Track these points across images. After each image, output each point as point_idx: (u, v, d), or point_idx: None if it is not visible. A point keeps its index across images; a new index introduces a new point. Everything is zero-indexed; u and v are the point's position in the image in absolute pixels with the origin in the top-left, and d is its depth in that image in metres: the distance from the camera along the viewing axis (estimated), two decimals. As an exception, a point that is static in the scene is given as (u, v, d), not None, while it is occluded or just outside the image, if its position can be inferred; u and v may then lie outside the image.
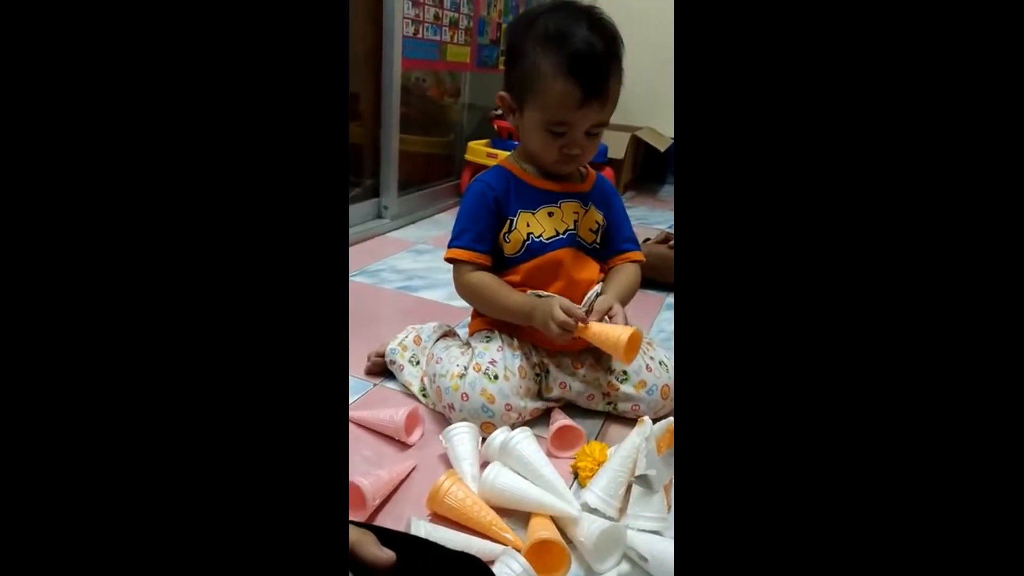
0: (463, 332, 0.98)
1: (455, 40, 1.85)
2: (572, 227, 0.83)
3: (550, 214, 0.82)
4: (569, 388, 0.83)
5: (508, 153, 0.90)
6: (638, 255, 0.89)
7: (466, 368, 0.78)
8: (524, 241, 0.81)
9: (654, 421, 0.66)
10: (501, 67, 2.15)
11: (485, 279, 0.81)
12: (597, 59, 0.72)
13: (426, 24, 1.70)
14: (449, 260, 0.82)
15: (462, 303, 1.18)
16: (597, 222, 0.85)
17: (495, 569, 0.53)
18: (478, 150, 1.89)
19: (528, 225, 0.81)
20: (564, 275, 0.82)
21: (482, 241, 0.81)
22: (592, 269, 0.85)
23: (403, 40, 1.59)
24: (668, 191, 2.58)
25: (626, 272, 0.86)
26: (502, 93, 0.81)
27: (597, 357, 0.85)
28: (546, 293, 0.79)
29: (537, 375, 0.82)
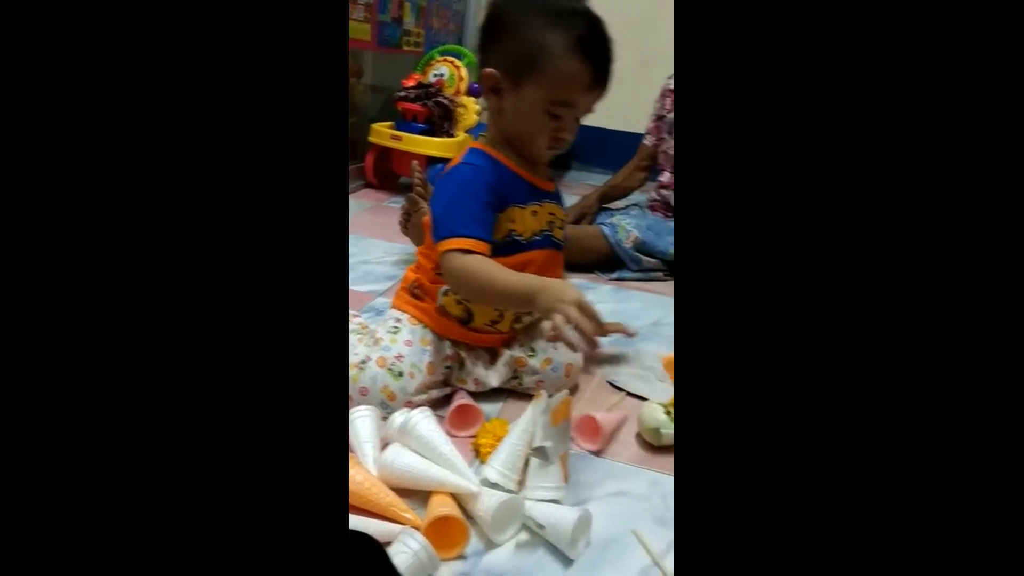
0: (366, 316, 0.96)
1: (354, 16, 1.78)
2: (547, 228, 0.80)
3: (534, 212, 0.78)
4: (483, 385, 0.82)
5: (466, 139, 0.88)
6: None
7: (366, 359, 0.75)
8: (504, 238, 0.76)
9: (550, 395, 0.68)
10: (404, 47, 2.10)
11: (479, 260, 0.69)
12: (606, 41, 0.71)
13: (322, -2, 1.62)
14: (459, 251, 0.69)
15: (364, 287, 1.16)
16: (563, 220, 0.85)
17: (393, 548, 0.53)
18: (382, 132, 1.85)
19: (512, 221, 0.76)
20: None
21: (489, 231, 0.72)
22: (560, 271, 0.85)
23: (297, 14, 1.52)
24: (573, 176, 2.65)
25: None
26: (488, 70, 0.73)
27: (509, 344, 0.85)
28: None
29: (448, 368, 0.80)
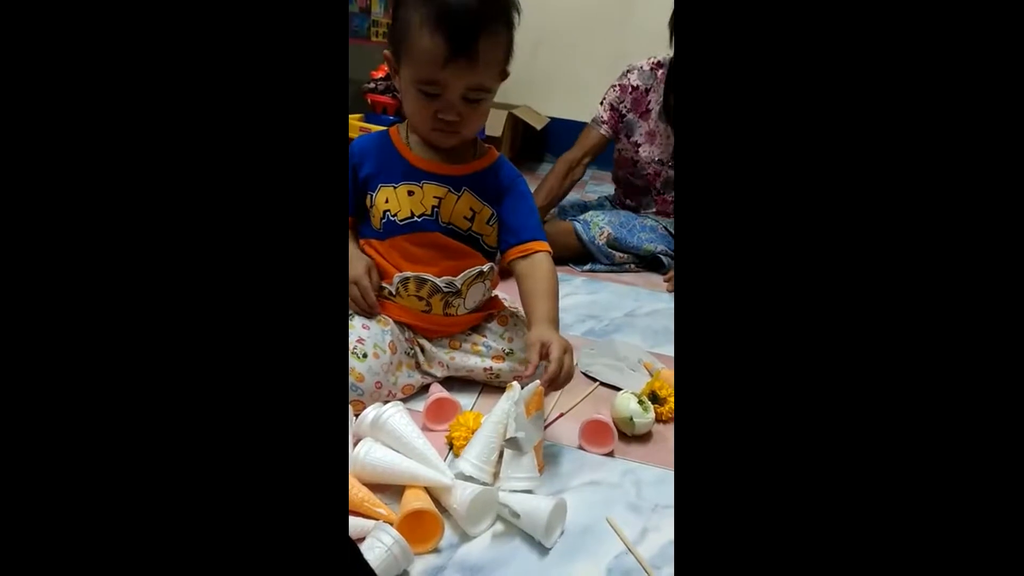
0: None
1: (322, 7, 1.75)
2: (429, 212, 0.78)
3: (410, 193, 0.78)
4: (447, 368, 0.82)
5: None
6: (543, 245, 0.83)
7: None
8: (381, 218, 0.79)
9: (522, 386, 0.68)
10: (373, 38, 2.07)
11: None
12: (466, 14, 0.67)
13: (288, -13, 1.59)
14: None
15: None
16: (472, 209, 0.79)
17: (366, 544, 0.52)
18: (352, 124, 1.82)
19: (387, 201, 0.78)
20: (420, 261, 0.79)
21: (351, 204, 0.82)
22: (466, 258, 0.81)
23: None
24: (546, 168, 2.65)
25: (540, 271, 0.80)
26: (385, 52, 0.77)
27: (482, 333, 0.85)
28: (425, 275, 0.78)
29: (411, 349, 0.81)
